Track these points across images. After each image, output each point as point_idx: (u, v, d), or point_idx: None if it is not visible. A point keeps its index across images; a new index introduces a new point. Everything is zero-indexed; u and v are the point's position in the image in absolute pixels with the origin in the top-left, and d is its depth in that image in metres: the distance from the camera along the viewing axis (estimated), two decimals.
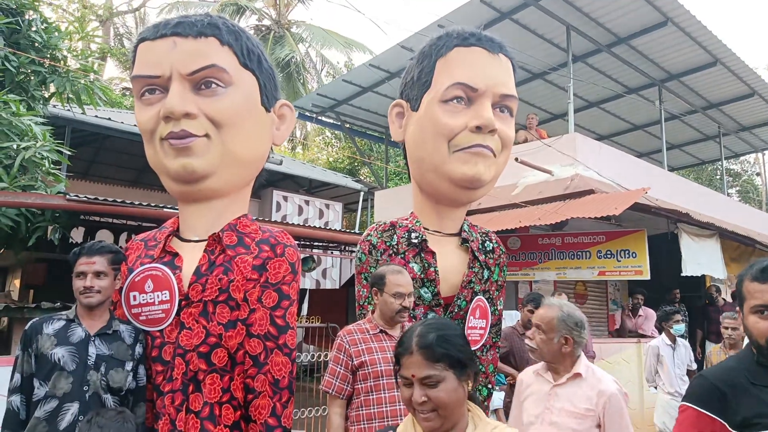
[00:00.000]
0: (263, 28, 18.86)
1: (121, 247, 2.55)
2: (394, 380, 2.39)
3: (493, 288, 3.07)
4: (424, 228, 3.00)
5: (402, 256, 2.88)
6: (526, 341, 2.13)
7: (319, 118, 11.70)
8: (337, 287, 12.57)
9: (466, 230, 3.08)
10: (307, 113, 11.47)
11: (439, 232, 3.03)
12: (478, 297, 2.95)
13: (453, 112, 2.81)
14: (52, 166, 4.68)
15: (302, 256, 8.64)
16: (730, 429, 1.50)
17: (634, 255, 7.13)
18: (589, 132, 11.59)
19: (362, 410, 2.38)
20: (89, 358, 2.16)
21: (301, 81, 17.45)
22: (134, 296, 2.40)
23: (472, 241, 3.01)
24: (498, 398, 5.42)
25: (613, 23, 8.00)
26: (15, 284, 9.58)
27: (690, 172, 19.84)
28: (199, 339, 2.30)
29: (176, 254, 2.44)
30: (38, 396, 2.10)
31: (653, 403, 6.81)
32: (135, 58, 2.51)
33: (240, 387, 2.31)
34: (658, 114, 9.79)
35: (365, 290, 2.88)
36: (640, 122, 11.47)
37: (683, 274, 7.13)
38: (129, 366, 2.24)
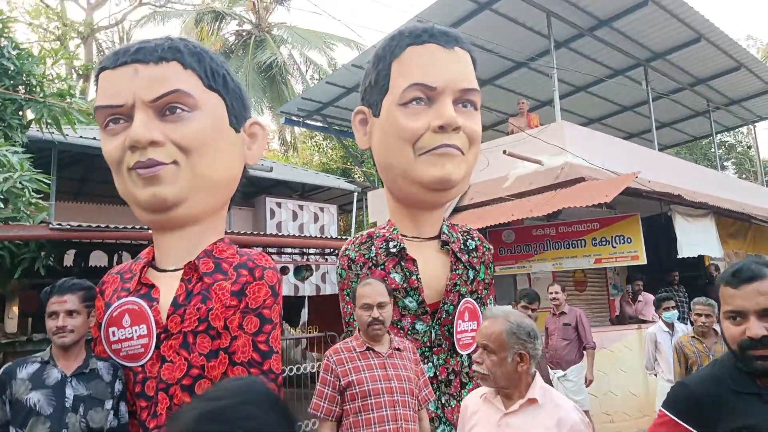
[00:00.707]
0: (244, 33, 18.74)
1: (118, 263, 2.50)
2: (382, 399, 2.35)
3: (480, 287, 3.00)
4: (402, 235, 2.95)
5: (382, 267, 2.82)
6: (474, 366, 1.88)
7: (306, 121, 11.63)
8: (338, 291, 12.52)
9: (446, 232, 3.01)
10: (294, 117, 11.41)
11: (418, 238, 2.98)
12: (465, 299, 2.89)
13: (413, 114, 2.75)
14: (33, 194, 4.62)
15: (295, 266, 8.59)
16: None
17: (629, 240, 7.10)
18: (577, 116, 11.53)
19: (352, 430, 2.34)
20: (66, 399, 2.11)
21: (285, 84, 17.35)
22: (113, 332, 2.35)
23: (453, 242, 2.95)
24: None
25: (593, 6, 7.93)
26: (14, 311, 9.54)
27: (683, 148, 19.79)
28: (182, 372, 2.26)
29: (152, 286, 2.39)
30: None
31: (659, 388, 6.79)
32: (97, 88, 2.46)
33: None
34: (646, 94, 9.74)
35: (349, 306, 2.83)
36: (629, 103, 11.41)
37: (679, 255, 7.10)
38: (109, 404, 2.20)
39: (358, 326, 2.56)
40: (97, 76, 2.47)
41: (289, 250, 8.57)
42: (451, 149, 2.74)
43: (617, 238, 7.15)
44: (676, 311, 5.17)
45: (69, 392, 2.13)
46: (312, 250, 9.18)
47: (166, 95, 2.31)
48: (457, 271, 2.87)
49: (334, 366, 2.42)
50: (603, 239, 7.23)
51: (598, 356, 6.34)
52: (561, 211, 7.32)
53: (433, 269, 2.87)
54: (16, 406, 2.08)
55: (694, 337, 4.19)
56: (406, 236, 2.95)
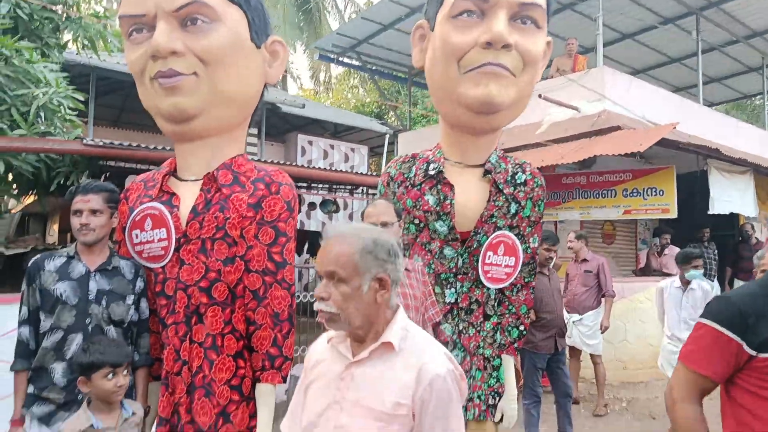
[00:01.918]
0: None
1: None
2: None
3: (523, 224, 2.84)
4: (446, 159, 2.84)
5: (418, 188, 2.77)
6: (317, 304, 1.43)
7: (340, 59, 11.49)
8: None
9: (493, 161, 2.84)
10: (328, 54, 11.27)
11: (461, 163, 2.86)
12: (500, 232, 2.77)
13: (462, 27, 2.56)
14: (69, 112, 4.75)
15: (323, 199, 8.70)
16: (747, 350, 1.49)
17: (661, 193, 6.95)
18: (621, 66, 11.08)
19: None
20: (90, 292, 2.25)
21: (323, 21, 17.05)
22: (136, 234, 2.46)
23: (499, 172, 2.79)
24: None
25: None
26: (54, 229, 10.04)
27: (733, 107, 18.91)
28: (199, 274, 2.36)
29: (173, 194, 2.48)
30: (44, 328, 2.21)
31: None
32: None
33: (241, 319, 2.38)
34: (695, 45, 9.27)
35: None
36: (676, 54, 10.91)
37: (710, 212, 6.92)
38: (130, 299, 2.33)
39: None
40: None
41: (318, 186, 8.68)
42: (497, 68, 2.56)
43: (649, 190, 7.00)
44: (701, 271, 4.98)
45: (92, 286, 2.27)
46: (340, 190, 9.27)
47: (188, 5, 2.31)
48: (496, 203, 2.75)
49: None
50: (634, 190, 7.09)
51: (618, 306, 6.34)
52: (595, 160, 7.18)
53: (470, 197, 2.77)
54: (45, 295, 2.23)
55: None
56: (449, 160, 2.85)
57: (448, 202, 2.72)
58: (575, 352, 5.86)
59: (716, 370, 1.55)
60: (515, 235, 2.83)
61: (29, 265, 2.30)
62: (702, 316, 1.62)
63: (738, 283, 7.22)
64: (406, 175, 2.86)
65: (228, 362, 2.33)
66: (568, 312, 5.82)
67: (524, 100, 2.79)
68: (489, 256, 2.77)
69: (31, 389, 2.23)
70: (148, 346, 2.41)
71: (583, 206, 7.42)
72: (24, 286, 2.28)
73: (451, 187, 2.74)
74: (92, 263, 2.31)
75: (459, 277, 2.77)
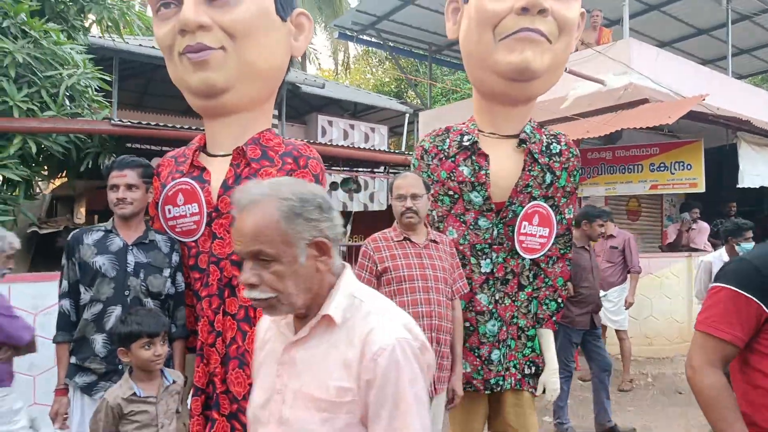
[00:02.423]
0: None
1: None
2: (416, 284, 2.45)
3: (558, 194, 2.84)
4: (479, 130, 2.83)
5: (452, 159, 2.77)
6: (246, 293, 1.16)
7: (360, 36, 11.39)
8: (384, 209, 12.71)
9: (528, 132, 2.82)
10: (347, 32, 11.19)
11: (495, 134, 2.84)
12: (535, 202, 2.77)
13: None
14: (96, 93, 4.82)
15: (343, 177, 8.72)
16: (767, 311, 1.46)
17: (689, 167, 6.82)
18: (648, 38, 10.79)
19: None
20: (128, 265, 2.30)
21: (342, 1, 16.91)
22: (168, 209, 2.51)
23: (533, 143, 2.77)
24: None
25: None
26: (81, 212, 10.22)
27: (763, 79, 18.37)
28: (231, 248, 2.40)
29: (204, 168, 2.51)
30: (84, 300, 2.28)
31: None
32: None
33: None
34: (725, 15, 8.99)
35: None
36: (705, 26, 10.57)
37: (739, 185, 6.78)
38: (167, 272, 2.38)
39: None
40: None
41: (339, 167, 8.70)
42: (533, 34, 2.52)
43: (677, 164, 6.87)
44: (753, 243, 4.83)
45: (130, 259, 2.32)
46: (361, 169, 9.27)
47: None
48: (532, 172, 2.74)
49: (371, 252, 2.52)
50: (662, 165, 6.96)
51: (643, 281, 6.28)
52: (621, 135, 7.06)
53: (504, 167, 2.75)
54: (84, 268, 2.29)
55: None
56: (483, 132, 2.85)
57: (483, 172, 2.71)
58: (601, 328, 5.83)
59: (737, 334, 1.48)
60: (550, 205, 2.82)
61: (68, 238, 2.36)
62: (716, 280, 1.57)
63: None
64: (440, 148, 2.85)
65: None
66: None
67: (559, 69, 2.76)
68: (524, 226, 2.77)
69: (73, 360, 2.31)
70: (185, 318, 2.47)
71: (608, 182, 7.32)
72: (64, 260, 2.34)
73: (486, 157, 2.73)
74: (129, 237, 2.36)
75: (494, 247, 2.77)
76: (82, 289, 2.29)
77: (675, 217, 8.78)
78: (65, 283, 2.33)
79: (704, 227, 7.23)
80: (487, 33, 2.60)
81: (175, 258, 2.44)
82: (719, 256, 4.83)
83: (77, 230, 2.39)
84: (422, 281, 2.44)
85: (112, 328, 2.19)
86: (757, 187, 7.03)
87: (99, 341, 2.26)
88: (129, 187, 2.32)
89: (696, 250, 7.06)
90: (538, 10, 2.49)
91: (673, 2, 9.59)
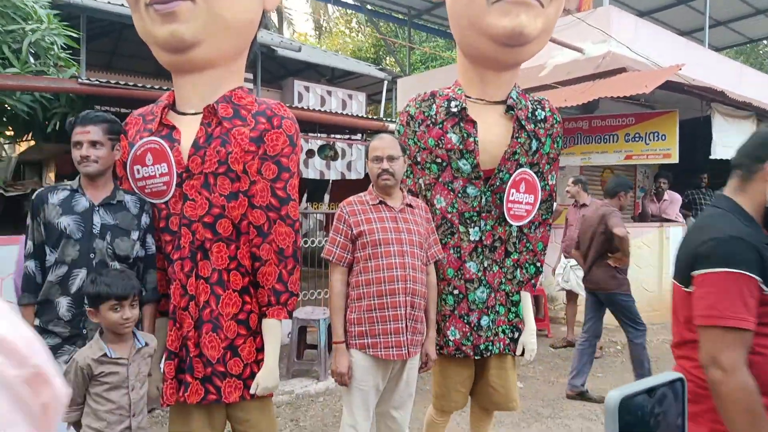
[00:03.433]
0: None
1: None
2: (391, 248, 2.44)
3: (543, 161, 2.84)
4: (466, 96, 2.78)
5: (440, 126, 2.72)
6: None
7: None
8: (362, 177, 12.66)
9: (514, 98, 2.78)
10: None
11: (482, 100, 2.79)
12: (522, 170, 2.76)
13: None
14: (62, 51, 4.62)
15: (320, 143, 8.62)
16: (763, 287, 1.39)
17: (663, 137, 6.89)
18: (627, 7, 10.77)
19: (361, 276, 2.45)
20: (94, 227, 2.23)
21: None
22: (137, 170, 2.43)
23: (520, 109, 2.74)
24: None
25: None
26: (50, 176, 9.95)
27: (739, 53, 18.55)
28: (203, 210, 2.34)
29: (174, 127, 2.42)
30: (50, 262, 2.20)
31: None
32: None
33: (246, 255, 2.38)
34: None
35: (408, 159, 2.81)
36: None
37: (711, 156, 6.89)
38: (135, 235, 2.31)
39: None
40: None
41: (316, 134, 8.57)
42: None
43: (651, 134, 6.94)
44: None
45: (96, 220, 2.24)
46: (338, 136, 9.16)
47: None
48: (519, 139, 2.71)
49: (347, 216, 2.50)
50: (636, 135, 7.03)
51: None
52: (597, 104, 7.08)
53: (493, 134, 2.73)
54: (49, 228, 2.21)
55: None
56: (470, 98, 2.79)
57: (471, 139, 2.68)
58: (572, 296, 5.95)
59: (751, 319, 1.37)
60: (535, 172, 2.82)
61: (33, 197, 2.27)
62: (702, 266, 1.45)
63: None
64: (426, 114, 2.80)
65: (234, 297, 2.34)
66: (566, 257, 5.88)
67: (549, 33, 2.71)
68: (512, 193, 2.76)
69: (36, 322, 2.24)
70: (155, 281, 2.42)
71: (584, 152, 7.38)
72: (28, 220, 2.26)
73: (474, 124, 2.70)
74: (96, 197, 2.27)
75: (482, 215, 2.76)
76: (47, 250, 2.22)
77: (648, 188, 8.91)
78: (30, 243, 2.24)
79: (676, 198, 7.36)
80: None
81: (145, 219, 2.37)
82: None
83: (42, 189, 2.30)
84: (397, 245, 2.43)
85: (83, 288, 2.13)
86: (729, 159, 7.14)
87: (63, 304, 2.20)
88: (93, 143, 2.22)
89: (668, 220, 7.19)
90: None
91: None
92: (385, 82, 12.88)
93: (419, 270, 2.47)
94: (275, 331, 2.37)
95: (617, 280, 4.51)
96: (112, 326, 2.03)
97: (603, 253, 4.54)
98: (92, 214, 2.24)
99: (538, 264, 2.91)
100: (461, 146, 2.69)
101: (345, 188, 11.15)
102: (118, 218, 2.28)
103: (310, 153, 9.55)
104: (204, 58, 2.39)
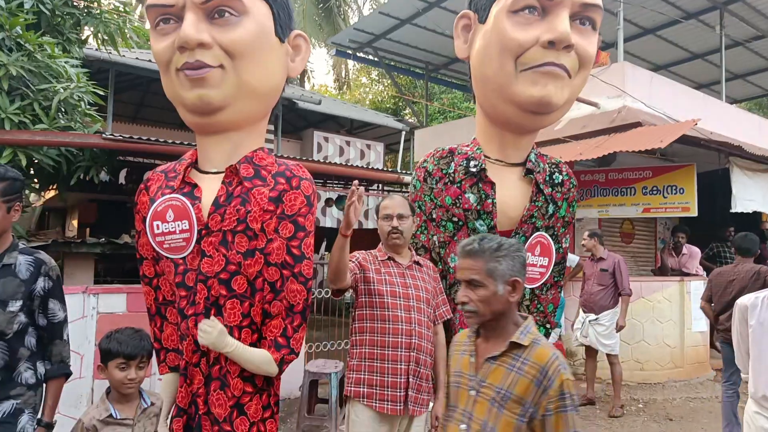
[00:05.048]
0: None
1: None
2: (397, 302, 2.44)
3: (558, 224, 2.85)
4: (485, 156, 2.79)
5: (458, 185, 2.73)
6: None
7: (357, 54, 11.47)
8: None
9: (533, 160, 2.80)
10: (345, 50, 11.27)
11: (502, 162, 2.81)
12: (539, 233, 2.76)
13: (523, 24, 2.49)
14: (89, 107, 4.81)
15: (337, 195, 8.71)
16: None
17: (681, 191, 6.84)
18: (643, 62, 10.93)
19: (366, 323, 2.47)
20: None
21: (343, 17, 17.07)
22: (157, 225, 2.47)
23: (538, 172, 2.76)
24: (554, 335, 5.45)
25: None
26: (73, 224, 10.17)
27: (756, 104, 18.59)
28: (220, 266, 2.37)
29: (195, 185, 2.49)
30: None
31: (695, 342, 6.70)
32: None
33: (259, 312, 2.39)
34: (719, 40, 9.11)
35: (418, 219, 2.82)
36: (699, 50, 10.72)
37: (732, 210, 6.81)
38: (16, 305, 2.08)
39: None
40: None
41: (334, 183, 8.69)
42: (558, 69, 2.49)
43: (669, 188, 6.90)
44: None
45: None
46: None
47: None
48: (537, 203, 2.72)
49: (358, 256, 2.55)
50: (654, 188, 6.99)
51: (636, 305, 6.27)
52: (614, 157, 7.10)
53: (511, 196, 2.73)
54: None
55: None
56: (489, 158, 2.80)
57: (489, 201, 2.68)
58: (592, 352, 5.81)
59: None
60: (550, 235, 2.81)
61: None
62: None
63: None
64: (444, 171, 2.81)
65: None
66: (585, 311, 5.78)
67: (573, 101, 2.73)
68: (528, 256, 2.73)
69: None
70: (62, 354, 2.25)
71: (601, 204, 7.34)
72: None
73: (493, 185, 2.70)
74: None
75: None
76: None
77: (667, 242, 8.81)
78: None
79: (695, 252, 7.25)
80: (508, 62, 2.54)
81: (42, 284, 2.16)
82: (764, 298, 2.68)
83: None
84: (404, 300, 2.43)
85: (100, 341, 2.10)
86: (750, 212, 7.07)
87: None
88: None
89: (688, 274, 7.06)
90: (565, 46, 2.45)
91: (667, 26, 9.73)
92: (403, 133, 13.09)
93: (425, 326, 2.46)
94: (258, 356, 2.31)
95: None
96: (117, 385, 2.04)
97: None
98: None
99: (548, 326, 2.88)
100: (479, 207, 2.69)
101: (362, 237, 11.22)
102: None
103: (328, 202, 9.66)
104: (229, 120, 2.47)
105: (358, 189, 2.28)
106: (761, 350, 2.53)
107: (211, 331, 2.22)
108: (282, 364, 2.33)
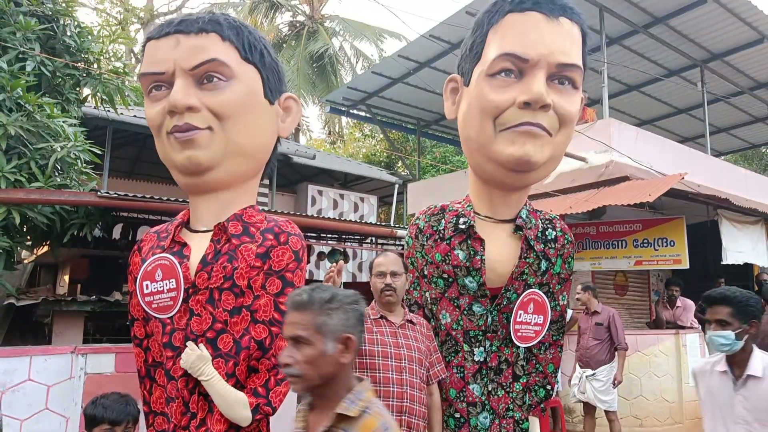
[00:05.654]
0: (297, 24, 19.05)
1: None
2: (389, 362, 2.41)
3: (553, 281, 2.82)
4: (476, 213, 2.82)
5: (448, 242, 2.75)
6: None
7: (351, 111, 11.75)
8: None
9: (524, 217, 2.82)
10: (339, 107, 11.55)
11: (492, 218, 2.84)
12: (531, 290, 2.74)
13: (500, 86, 2.56)
14: (85, 165, 4.87)
15: (329, 249, 8.72)
16: None
17: (672, 243, 6.90)
18: (628, 117, 11.24)
19: None
20: None
21: (335, 75, 17.56)
22: (147, 285, 2.48)
23: (529, 228, 2.77)
24: None
25: (648, 2, 7.72)
26: (65, 279, 10.07)
27: (741, 157, 18.98)
28: (207, 325, 2.37)
29: (185, 244, 2.51)
30: None
31: (694, 397, 6.58)
32: (143, 57, 2.60)
33: (244, 371, 2.37)
34: (701, 96, 9.41)
35: (411, 275, 2.83)
36: (683, 105, 11.04)
37: (723, 262, 6.85)
38: None
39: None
40: (143, 47, 2.62)
41: (327, 236, 8.71)
42: (535, 128, 2.53)
43: (660, 240, 6.97)
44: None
45: None
46: (349, 239, 9.30)
47: (204, 64, 2.42)
48: (527, 260, 2.72)
49: None
50: (645, 241, 7.05)
51: (632, 359, 6.21)
52: (604, 211, 7.19)
53: (500, 253, 2.73)
54: None
55: None
56: (479, 214, 2.83)
57: (478, 257, 2.69)
58: (590, 408, 5.70)
59: None
60: (544, 292, 2.79)
61: None
62: None
63: None
64: (435, 228, 2.84)
65: None
66: (581, 367, 5.71)
67: (558, 158, 2.76)
68: (520, 314, 2.73)
69: None
70: None
71: (593, 257, 7.38)
72: None
73: (482, 242, 2.72)
74: None
75: (488, 335, 2.72)
76: None
77: (662, 294, 8.80)
78: None
79: (689, 304, 7.24)
80: (487, 122, 2.61)
81: None
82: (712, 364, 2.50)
83: None
84: (395, 360, 2.40)
85: (86, 407, 2.09)
86: (741, 263, 7.11)
87: None
88: None
89: (683, 327, 7.03)
90: (541, 106, 2.50)
91: (651, 83, 10.06)
92: (396, 186, 13.24)
93: (417, 388, 2.42)
94: (233, 394, 2.28)
95: None
96: None
97: None
98: None
99: (549, 387, 2.81)
100: (468, 263, 2.69)
101: (356, 289, 11.14)
102: None
103: (321, 255, 9.66)
104: (218, 180, 2.53)
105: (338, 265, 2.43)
106: (714, 422, 2.37)
107: (191, 354, 2.24)
108: (256, 412, 2.28)
